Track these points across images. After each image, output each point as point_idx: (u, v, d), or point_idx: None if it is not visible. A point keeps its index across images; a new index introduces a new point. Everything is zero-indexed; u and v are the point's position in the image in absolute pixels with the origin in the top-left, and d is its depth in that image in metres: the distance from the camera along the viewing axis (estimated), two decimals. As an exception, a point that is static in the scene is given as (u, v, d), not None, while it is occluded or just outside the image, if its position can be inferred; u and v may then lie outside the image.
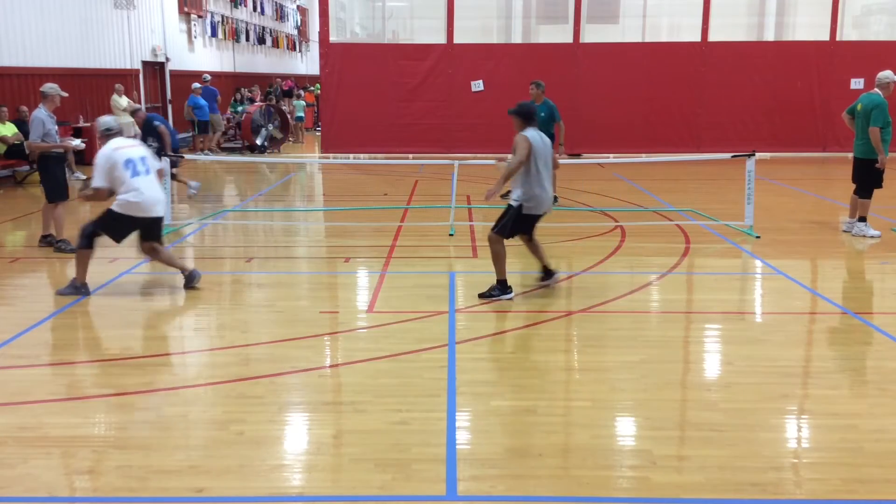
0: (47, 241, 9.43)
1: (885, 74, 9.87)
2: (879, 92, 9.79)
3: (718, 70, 18.69)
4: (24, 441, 4.47)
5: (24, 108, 15.41)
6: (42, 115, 9.12)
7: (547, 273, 7.52)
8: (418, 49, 19.35)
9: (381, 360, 5.71)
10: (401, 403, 4.94)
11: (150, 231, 7.53)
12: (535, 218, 7.23)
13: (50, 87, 9.26)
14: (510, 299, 7.11)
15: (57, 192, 9.37)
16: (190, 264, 8.00)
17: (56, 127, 9.42)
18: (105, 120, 7.67)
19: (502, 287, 7.18)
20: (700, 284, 8.20)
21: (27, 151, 14.52)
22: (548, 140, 7.24)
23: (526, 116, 7.12)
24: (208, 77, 21.01)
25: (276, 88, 27.36)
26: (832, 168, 17.03)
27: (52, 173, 9.40)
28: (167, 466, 4.17)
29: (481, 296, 7.18)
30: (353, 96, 18.81)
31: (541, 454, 4.32)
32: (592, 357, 5.92)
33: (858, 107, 9.89)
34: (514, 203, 7.08)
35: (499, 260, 7.15)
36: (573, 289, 7.68)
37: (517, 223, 7.12)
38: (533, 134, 7.04)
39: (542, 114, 10.84)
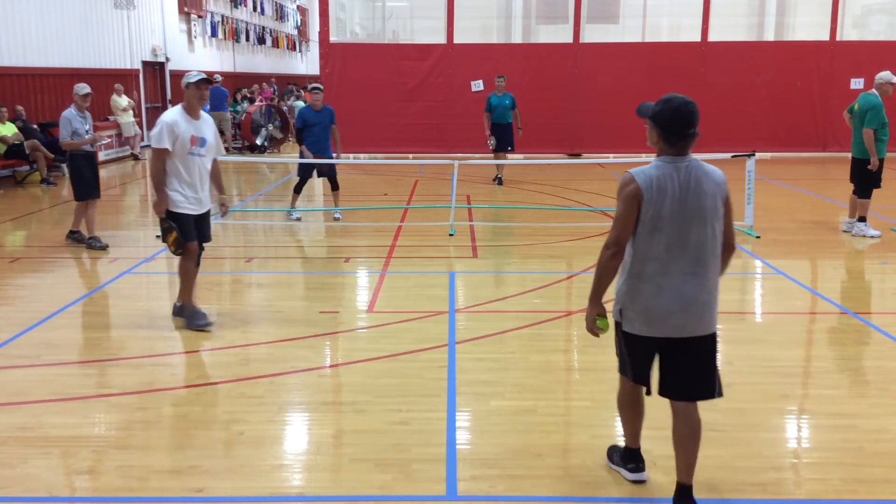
0: (75, 237, 9.44)
1: (883, 76, 9.85)
2: (876, 93, 9.77)
3: (718, 70, 18.65)
4: (24, 441, 4.47)
5: (20, 108, 15.41)
6: (69, 115, 9.13)
7: None
8: (418, 49, 19.33)
9: (381, 360, 5.71)
10: (401, 403, 4.94)
11: None
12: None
13: (80, 86, 9.23)
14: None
15: (83, 190, 9.37)
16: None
17: (88, 126, 9.26)
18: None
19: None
20: (700, 284, 8.18)
21: (29, 151, 14.55)
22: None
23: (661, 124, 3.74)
24: (220, 78, 21.12)
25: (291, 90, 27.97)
26: (832, 168, 17.00)
27: (80, 172, 9.36)
28: (167, 466, 4.17)
29: None
30: (353, 96, 18.77)
31: (541, 454, 4.32)
32: (592, 357, 5.91)
33: (856, 107, 9.87)
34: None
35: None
36: (573, 289, 7.68)
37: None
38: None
39: (507, 102, 14.15)
